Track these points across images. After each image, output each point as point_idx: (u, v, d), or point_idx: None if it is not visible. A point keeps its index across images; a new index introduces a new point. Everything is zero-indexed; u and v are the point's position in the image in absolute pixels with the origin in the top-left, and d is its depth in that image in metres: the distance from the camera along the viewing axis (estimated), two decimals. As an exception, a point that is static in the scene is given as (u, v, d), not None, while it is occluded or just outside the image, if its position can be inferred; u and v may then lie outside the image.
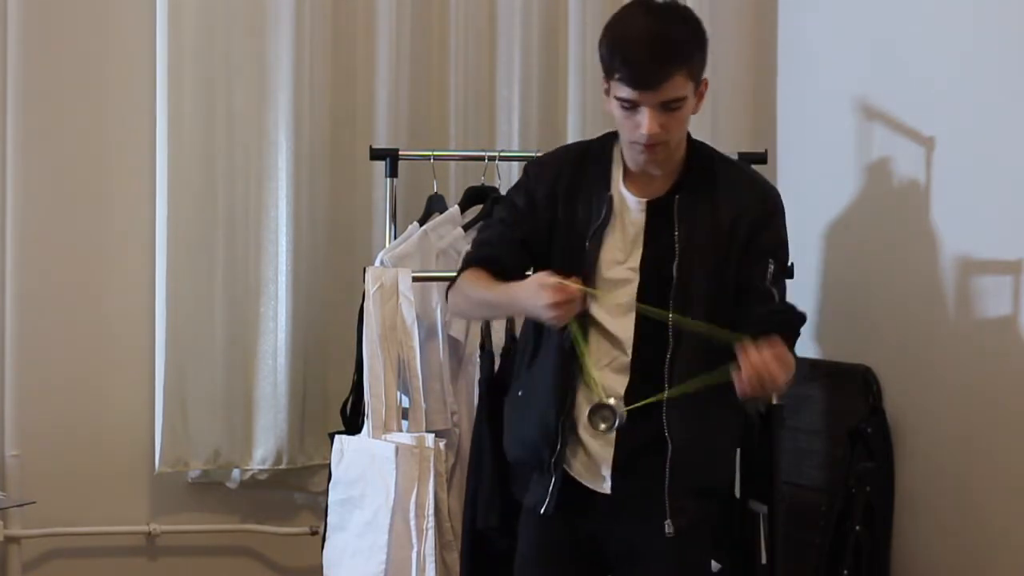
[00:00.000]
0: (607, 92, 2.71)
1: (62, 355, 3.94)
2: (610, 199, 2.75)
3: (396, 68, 4.01)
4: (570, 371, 2.74)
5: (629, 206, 2.76)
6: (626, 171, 2.78)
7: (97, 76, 3.94)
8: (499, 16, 4.09)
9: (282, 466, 3.96)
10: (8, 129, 3.86)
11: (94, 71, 3.94)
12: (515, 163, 3.89)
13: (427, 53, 4.07)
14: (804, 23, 4.07)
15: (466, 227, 3.62)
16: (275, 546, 4.11)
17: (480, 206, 3.70)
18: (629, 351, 2.73)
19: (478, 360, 3.39)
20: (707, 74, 2.73)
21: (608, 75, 2.67)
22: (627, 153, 2.75)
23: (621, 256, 2.74)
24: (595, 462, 2.78)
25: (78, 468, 3.94)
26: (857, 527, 3.48)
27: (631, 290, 2.73)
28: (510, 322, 3.39)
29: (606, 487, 2.77)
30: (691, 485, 2.77)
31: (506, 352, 3.36)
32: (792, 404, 3.61)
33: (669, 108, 2.63)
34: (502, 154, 3.75)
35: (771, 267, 2.75)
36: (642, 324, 2.72)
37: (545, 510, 2.80)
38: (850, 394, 3.62)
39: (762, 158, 3.63)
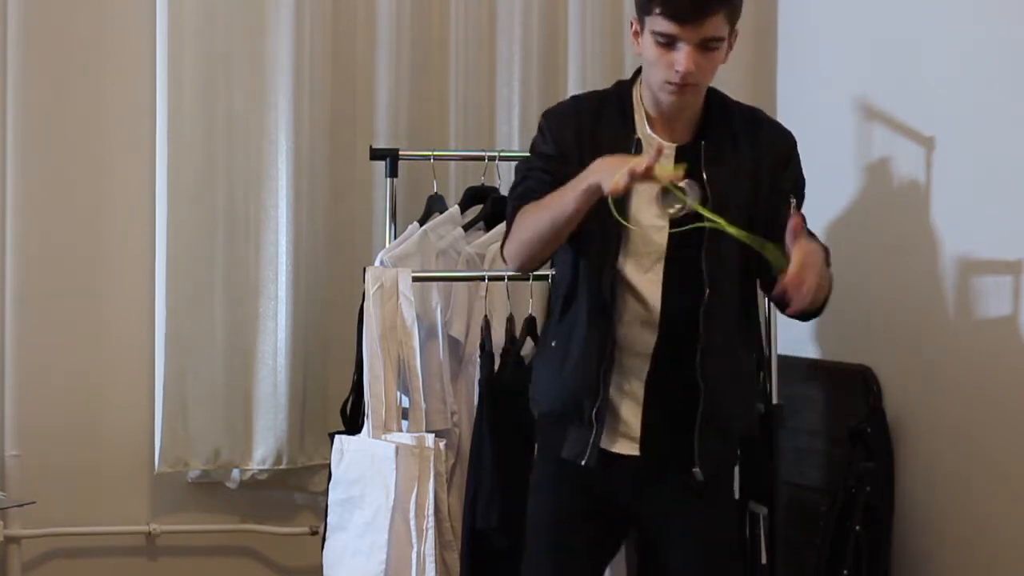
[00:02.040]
0: (637, 34, 2.70)
1: (62, 355, 3.94)
2: (638, 142, 2.75)
3: (396, 68, 4.01)
4: (610, 320, 2.74)
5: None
6: (648, 118, 2.78)
7: (97, 76, 3.94)
8: (499, 16, 4.09)
9: (282, 466, 3.96)
10: (8, 129, 3.86)
11: (94, 71, 3.94)
12: (515, 163, 3.88)
13: (427, 53, 4.07)
14: (804, 23, 4.07)
15: (466, 227, 3.62)
16: (275, 546, 4.11)
17: (480, 206, 3.70)
18: (658, 305, 2.72)
19: (478, 360, 3.38)
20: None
21: (644, 11, 2.67)
22: (654, 94, 2.75)
23: (650, 202, 2.71)
24: (626, 423, 2.77)
25: (78, 468, 3.94)
26: (857, 527, 3.47)
27: (662, 236, 2.73)
28: (510, 322, 3.39)
29: (635, 449, 2.77)
30: (721, 429, 2.79)
31: (506, 352, 3.36)
32: (792, 404, 3.61)
33: (706, 47, 2.65)
34: (502, 154, 3.75)
35: (793, 204, 2.77)
36: (670, 275, 2.72)
37: (587, 462, 2.78)
38: (850, 394, 3.62)
39: (762, 158, 3.63)
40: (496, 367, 3.36)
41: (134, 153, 3.95)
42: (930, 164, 3.48)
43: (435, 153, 3.73)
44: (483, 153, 3.74)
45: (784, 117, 4.08)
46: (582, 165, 2.69)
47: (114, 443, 3.98)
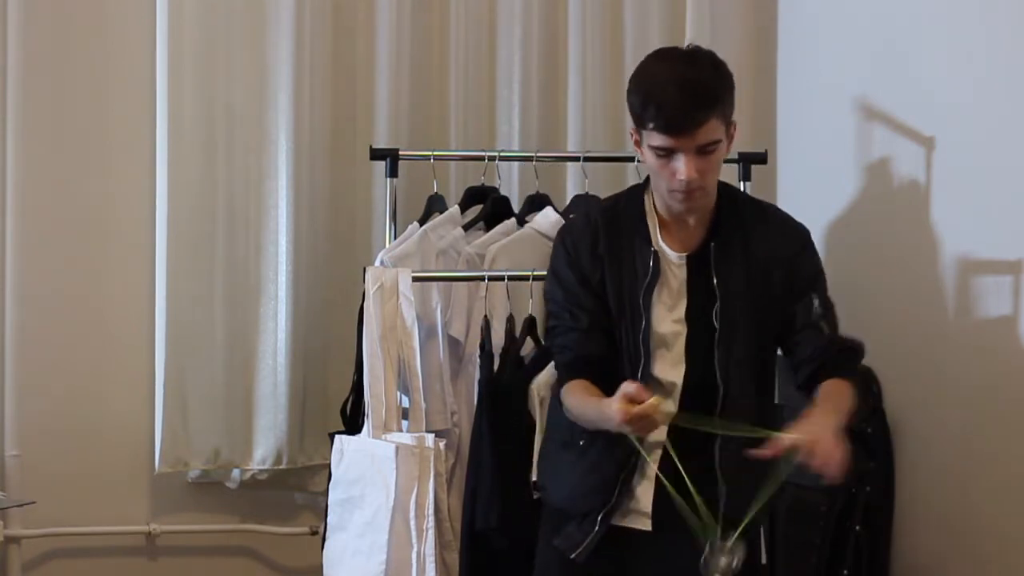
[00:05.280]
0: (638, 143, 2.71)
1: (62, 355, 3.94)
2: (655, 255, 2.76)
3: (396, 68, 4.01)
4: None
5: (671, 260, 2.78)
6: (661, 224, 2.80)
7: (97, 77, 3.94)
8: (499, 16, 4.09)
9: (282, 466, 3.96)
10: (8, 130, 3.86)
11: (94, 72, 3.94)
12: (515, 163, 3.89)
13: (427, 53, 4.06)
14: (804, 23, 4.07)
15: (466, 227, 3.62)
16: (275, 546, 4.11)
17: (480, 206, 3.70)
18: (677, 399, 2.74)
19: (478, 360, 3.38)
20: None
21: (640, 125, 2.67)
22: (664, 201, 2.76)
23: (669, 310, 2.76)
24: (638, 500, 2.78)
25: (78, 468, 3.94)
26: (857, 527, 3.48)
27: (681, 342, 2.75)
28: (510, 322, 3.39)
29: (647, 524, 2.78)
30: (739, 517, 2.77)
31: (506, 352, 3.36)
32: (792, 404, 3.60)
33: (705, 152, 2.65)
34: (502, 154, 3.75)
35: (815, 301, 2.79)
36: (691, 374, 2.74)
37: (577, 558, 2.79)
38: (850, 394, 3.62)
39: (762, 158, 3.63)
40: (496, 367, 3.36)
41: (134, 153, 3.95)
42: (930, 164, 3.48)
43: (435, 153, 3.73)
44: (483, 153, 3.73)
45: (784, 117, 4.12)
46: (602, 283, 2.75)
47: (114, 443, 3.98)
